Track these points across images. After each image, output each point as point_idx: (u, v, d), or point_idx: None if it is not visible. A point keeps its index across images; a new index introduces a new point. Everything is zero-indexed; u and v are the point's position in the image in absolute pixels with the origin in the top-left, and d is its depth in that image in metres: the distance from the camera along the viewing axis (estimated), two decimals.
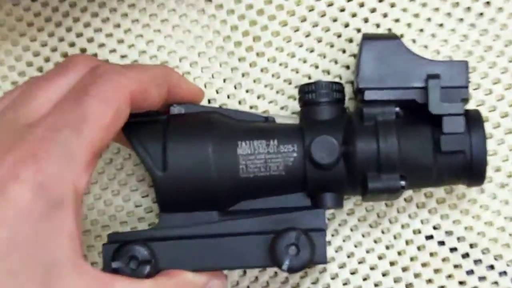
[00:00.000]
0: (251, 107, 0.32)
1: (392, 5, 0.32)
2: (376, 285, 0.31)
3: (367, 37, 0.28)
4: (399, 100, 0.28)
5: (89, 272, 0.23)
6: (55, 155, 0.23)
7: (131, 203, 0.33)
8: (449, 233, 0.31)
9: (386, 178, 0.27)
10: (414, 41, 0.32)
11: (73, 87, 0.25)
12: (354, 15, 0.32)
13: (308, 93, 0.29)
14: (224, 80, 0.32)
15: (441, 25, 0.32)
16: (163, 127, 0.28)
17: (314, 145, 0.27)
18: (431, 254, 0.31)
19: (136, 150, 0.27)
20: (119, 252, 0.27)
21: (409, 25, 0.32)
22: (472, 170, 0.27)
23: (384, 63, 0.28)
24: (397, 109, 0.28)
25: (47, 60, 0.33)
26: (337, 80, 0.32)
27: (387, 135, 0.27)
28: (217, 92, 0.32)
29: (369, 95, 0.28)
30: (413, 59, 0.28)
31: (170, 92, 0.28)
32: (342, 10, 0.32)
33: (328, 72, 0.32)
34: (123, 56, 0.33)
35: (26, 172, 0.22)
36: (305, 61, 0.32)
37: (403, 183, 0.27)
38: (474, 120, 0.28)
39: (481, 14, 0.31)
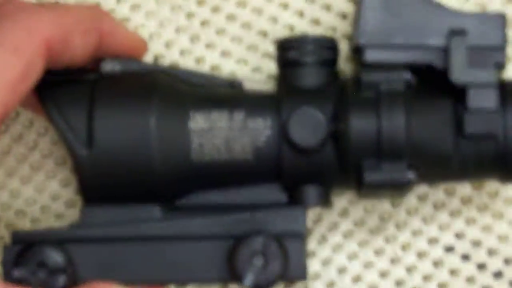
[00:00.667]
0: (212, 68, 0.29)
1: None
2: None
3: None
4: (410, 64, 0.25)
5: None
6: None
7: (46, 195, 0.29)
8: (476, 243, 0.27)
9: (389, 167, 0.25)
10: None
11: None
12: None
13: (289, 50, 0.26)
14: (177, 30, 0.28)
15: None
16: (91, 90, 0.25)
17: (293, 120, 0.25)
18: (452, 272, 0.27)
19: (54, 120, 0.25)
20: (23, 256, 0.24)
21: None
22: (506, 160, 0.24)
23: (392, 13, 0.25)
24: (408, 75, 0.25)
25: None
26: (328, 34, 0.29)
27: (393, 110, 0.25)
28: (166, 46, 0.29)
29: (371, 55, 0.25)
30: (432, 9, 0.25)
31: (102, 42, 0.25)
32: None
33: (317, 22, 0.29)
34: None
35: None
36: (286, 6, 0.29)
37: (412, 175, 0.24)
38: (511, 94, 0.25)
39: None
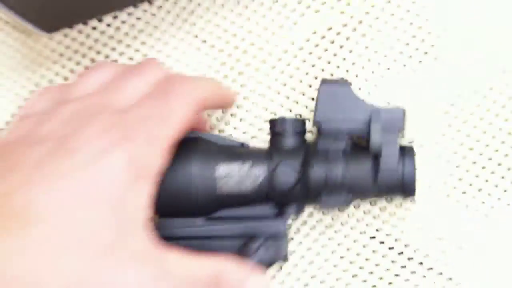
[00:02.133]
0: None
1: (344, 59, 0.39)
2: (328, 273, 0.38)
3: (324, 82, 0.34)
4: (347, 133, 0.33)
5: (151, 237, 0.28)
6: (144, 139, 0.28)
7: None
8: (388, 234, 0.38)
9: (334, 197, 0.33)
10: (366, 80, 0.39)
11: (155, 86, 0.31)
12: (313, 65, 0.39)
13: (275, 126, 0.34)
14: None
15: (388, 68, 0.39)
16: None
17: (276, 172, 0.33)
18: (373, 251, 0.38)
19: None
20: None
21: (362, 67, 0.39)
22: (404, 192, 0.34)
23: (337, 102, 0.34)
24: (346, 143, 0.33)
25: None
26: (298, 117, 0.38)
27: (336, 163, 0.33)
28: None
29: (323, 128, 0.34)
30: (359, 104, 0.34)
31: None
32: (304, 61, 0.39)
33: (291, 110, 0.39)
34: None
35: (119, 149, 0.27)
36: (272, 101, 0.39)
37: (347, 200, 0.33)
38: (407, 153, 0.34)
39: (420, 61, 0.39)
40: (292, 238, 0.38)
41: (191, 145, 0.33)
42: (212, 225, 0.33)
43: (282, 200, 0.34)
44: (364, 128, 0.33)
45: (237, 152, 0.34)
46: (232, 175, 0.33)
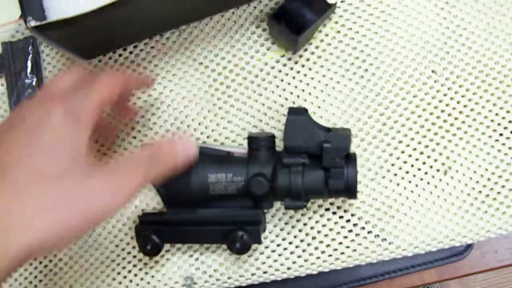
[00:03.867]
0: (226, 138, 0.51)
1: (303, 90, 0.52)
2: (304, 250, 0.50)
3: (291, 111, 0.43)
4: (306, 151, 0.42)
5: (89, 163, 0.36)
6: (75, 100, 0.37)
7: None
8: (339, 208, 0.50)
9: (295, 202, 0.43)
10: (319, 107, 0.51)
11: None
12: (286, 99, 0.51)
13: (252, 143, 0.43)
14: (210, 121, 0.52)
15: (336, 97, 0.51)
16: None
17: (251, 183, 0.42)
18: (328, 219, 0.50)
19: None
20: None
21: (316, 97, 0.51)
22: (349, 194, 0.43)
23: (299, 129, 0.42)
24: (305, 157, 0.42)
25: None
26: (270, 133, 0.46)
27: (297, 174, 0.42)
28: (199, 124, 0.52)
29: (288, 149, 0.42)
30: (315, 127, 0.42)
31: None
32: (271, 81, 0.52)
33: (266, 114, 0.51)
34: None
35: (58, 105, 0.36)
36: (252, 107, 0.51)
37: (305, 204, 0.43)
38: (351, 160, 0.42)
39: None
40: (268, 222, 0.50)
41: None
42: (206, 214, 0.44)
43: (257, 200, 0.43)
44: (318, 147, 0.42)
45: (224, 163, 0.43)
46: (220, 182, 0.43)
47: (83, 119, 0.36)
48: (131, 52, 0.53)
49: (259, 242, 0.43)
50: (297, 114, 0.42)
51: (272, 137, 0.43)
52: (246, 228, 0.43)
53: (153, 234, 0.44)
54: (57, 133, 0.35)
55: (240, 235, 0.43)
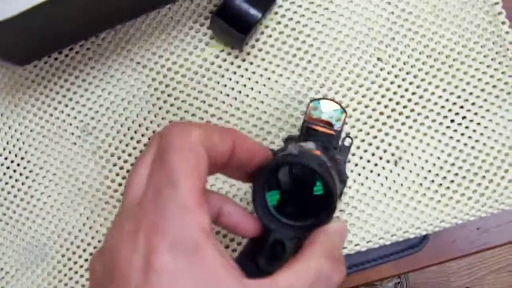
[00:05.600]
0: None
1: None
2: None
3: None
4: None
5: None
6: (169, 215, 0.25)
7: None
8: None
9: None
10: (262, 102, 0.50)
11: (154, 157, 0.28)
12: (228, 95, 0.50)
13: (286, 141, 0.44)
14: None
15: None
16: None
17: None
18: None
19: None
20: None
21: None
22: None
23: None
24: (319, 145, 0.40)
25: None
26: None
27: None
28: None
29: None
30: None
31: (236, 146, 0.30)
32: (221, 92, 0.50)
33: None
34: None
35: (157, 241, 0.25)
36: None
37: None
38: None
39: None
40: None
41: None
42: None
43: None
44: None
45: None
46: None
47: (201, 238, 0.26)
48: (66, 55, 0.52)
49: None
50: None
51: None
52: None
53: None
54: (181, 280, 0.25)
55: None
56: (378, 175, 0.48)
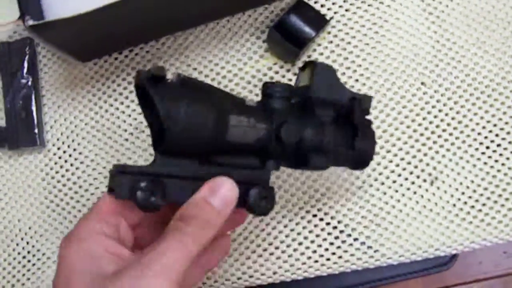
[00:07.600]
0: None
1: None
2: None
3: (316, 64, 0.39)
4: (335, 103, 0.39)
5: None
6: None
7: None
8: (326, 214, 0.51)
9: (321, 158, 0.37)
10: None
11: None
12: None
13: (268, 90, 0.38)
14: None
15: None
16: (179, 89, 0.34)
17: (282, 129, 0.36)
18: (315, 226, 0.51)
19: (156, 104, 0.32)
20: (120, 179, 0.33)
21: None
22: (365, 160, 0.40)
23: (327, 81, 0.39)
24: (334, 113, 0.38)
25: None
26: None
27: (329, 128, 0.38)
28: None
29: (315, 101, 0.38)
30: (341, 85, 0.40)
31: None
32: (261, 80, 0.53)
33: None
34: None
35: None
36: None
37: (328, 163, 0.38)
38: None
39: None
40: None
41: (206, 89, 0.35)
42: (206, 169, 0.35)
43: (274, 153, 0.37)
44: (345, 103, 0.39)
45: (244, 106, 0.36)
46: (241, 125, 0.35)
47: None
48: (126, 56, 0.54)
49: (273, 204, 0.37)
50: (325, 68, 0.39)
51: (290, 85, 0.38)
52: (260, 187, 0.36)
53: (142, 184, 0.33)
54: None
55: (254, 193, 0.36)
56: (415, 193, 0.50)
